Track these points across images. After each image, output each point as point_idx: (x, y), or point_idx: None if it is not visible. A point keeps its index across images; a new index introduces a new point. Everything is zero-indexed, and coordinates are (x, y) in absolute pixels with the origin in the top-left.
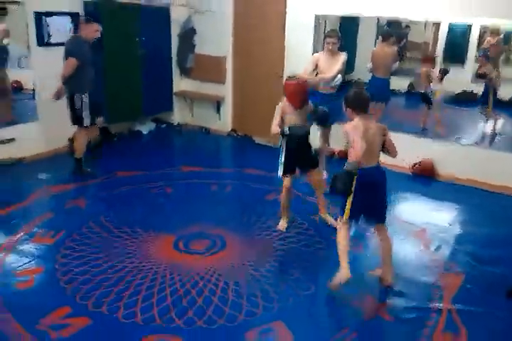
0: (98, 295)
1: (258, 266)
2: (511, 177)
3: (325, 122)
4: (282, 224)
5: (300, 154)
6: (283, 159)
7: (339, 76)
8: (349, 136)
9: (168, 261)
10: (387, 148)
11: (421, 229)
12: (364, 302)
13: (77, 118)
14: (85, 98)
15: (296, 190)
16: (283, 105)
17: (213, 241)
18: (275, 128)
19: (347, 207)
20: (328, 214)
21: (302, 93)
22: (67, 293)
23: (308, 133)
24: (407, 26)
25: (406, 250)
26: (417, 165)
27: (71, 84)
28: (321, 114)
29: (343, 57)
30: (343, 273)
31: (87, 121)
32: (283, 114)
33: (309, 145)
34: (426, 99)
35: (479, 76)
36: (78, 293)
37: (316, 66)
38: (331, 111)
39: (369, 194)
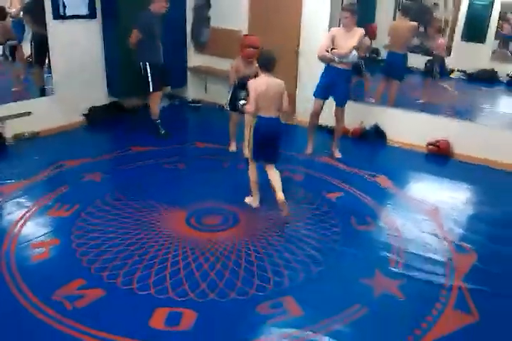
0: (112, 267)
1: (270, 241)
2: None
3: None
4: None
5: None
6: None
7: (354, 52)
8: (250, 91)
9: (182, 235)
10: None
11: (434, 208)
12: (375, 279)
13: (145, 84)
14: (148, 67)
15: (312, 170)
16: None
17: (226, 216)
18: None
19: (249, 147)
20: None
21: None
22: (83, 264)
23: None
24: (435, 3)
25: (419, 228)
26: (432, 145)
27: (137, 53)
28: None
29: (359, 32)
30: (254, 200)
31: (152, 87)
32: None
33: None
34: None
35: None
36: (93, 264)
37: (333, 41)
38: (345, 89)
39: (266, 139)
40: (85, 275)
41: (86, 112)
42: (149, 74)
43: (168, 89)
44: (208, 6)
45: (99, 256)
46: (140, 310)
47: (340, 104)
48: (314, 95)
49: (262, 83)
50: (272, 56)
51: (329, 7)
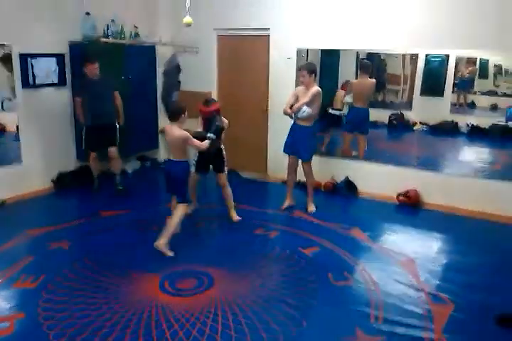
0: (82, 340)
1: (248, 303)
2: (497, 204)
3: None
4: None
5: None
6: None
7: (305, 108)
8: None
9: (155, 302)
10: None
11: (409, 259)
12: (356, 337)
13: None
14: (84, 129)
15: (287, 225)
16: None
17: (200, 279)
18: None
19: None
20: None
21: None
22: (50, 338)
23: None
24: (383, 59)
25: (396, 280)
26: (402, 196)
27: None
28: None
29: (313, 90)
30: (190, 206)
31: (83, 147)
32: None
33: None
34: None
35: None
36: (60, 338)
37: (297, 98)
38: (307, 145)
39: (168, 179)
40: None
41: (54, 178)
42: (83, 136)
43: (113, 150)
44: (178, 70)
45: (66, 329)
46: None
47: (303, 159)
48: (284, 151)
49: (168, 129)
50: (172, 108)
51: (294, 68)
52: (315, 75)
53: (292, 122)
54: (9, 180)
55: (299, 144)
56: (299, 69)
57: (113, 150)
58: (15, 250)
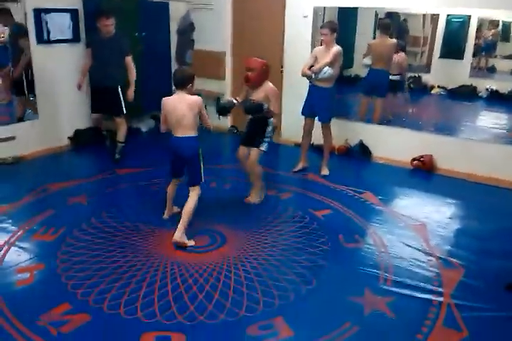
0: (99, 291)
1: (260, 260)
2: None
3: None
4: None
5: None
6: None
7: (326, 68)
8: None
9: (169, 257)
10: (201, 119)
11: (421, 224)
12: (364, 296)
13: None
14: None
15: (300, 187)
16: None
17: (213, 237)
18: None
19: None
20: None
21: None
22: (68, 289)
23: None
24: (403, 19)
25: (406, 244)
26: (416, 161)
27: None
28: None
29: (334, 49)
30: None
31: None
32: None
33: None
34: None
35: None
36: (79, 289)
37: (316, 60)
38: (327, 106)
39: (177, 160)
40: (71, 300)
41: (71, 135)
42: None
43: (118, 120)
44: (192, 29)
45: (84, 280)
46: (127, 335)
47: (323, 121)
48: (302, 113)
49: (171, 101)
50: (181, 74)
51: (311, 28)
52: (336, 34)
53: (310, 84)
54: (27, 136)
55: (319, 106)
56: (320, 27)
57: (118, 120)
58: (35, 203)
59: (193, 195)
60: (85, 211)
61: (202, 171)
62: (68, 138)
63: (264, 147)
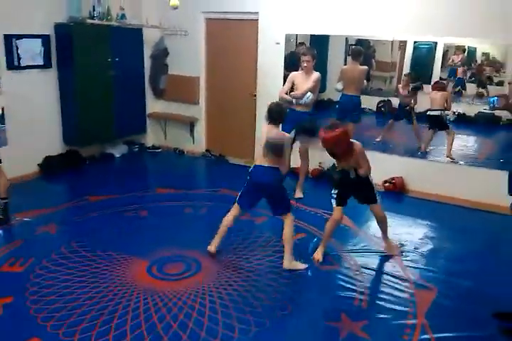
0: (70, 323)
1: (235, 287)
2: (481, 191)
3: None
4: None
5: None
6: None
7: (309, 94)
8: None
9: (142, 286)
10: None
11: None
12: (340, 321)
13: None
14: None
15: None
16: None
17: (188, 264)
18: None
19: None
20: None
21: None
22: (38, 322)
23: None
24: (372, 46)
25: (378, 265)
26: (388, 183)
27: None
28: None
29: (315, 75)
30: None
31: None
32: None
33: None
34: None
35: None
36: (49, 321)
37: (293, 85)
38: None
39: (255, 190)
40: (41, 334)
41: (40, 162)
42: None
43: None
44: (166, 54)
45: (55, 313)
46: None
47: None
48: None
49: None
50: (279, 109)
51: (283, 54)
52: (315, 60)
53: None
54: None
55: None
56: (302, 53)
57: None
58: (2, 233)
59: (288, 222)
60: (55, 240)
61: (286, 197)
62: (38, 165)
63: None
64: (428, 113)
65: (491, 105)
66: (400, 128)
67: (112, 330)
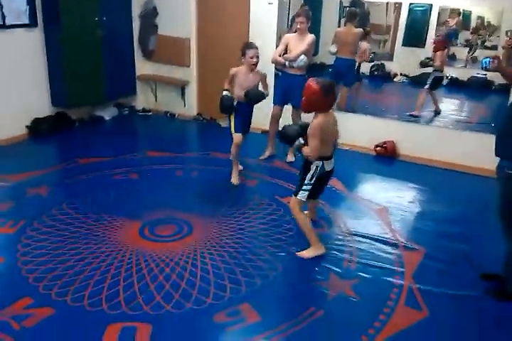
0: (62, 283)
1: (226, 248)
2: (471, 156)
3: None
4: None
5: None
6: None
7: (303, 56)
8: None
9: (135, 247)
10: None
11: (383, 208)
12: (329, 281)
13: None
14: None
15: (266, 175)
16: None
17: (180, 226)
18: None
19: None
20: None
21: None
22: (29, 282)
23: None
24: (367, 8)
25: (367, 227)
26: (379, 147)
27: None
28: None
29: (309, 37)
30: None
31: None
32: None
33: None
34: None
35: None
36: (40, 282)
37: (287, 47)
38: (300, 93)
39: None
40: (32, 294)
41: (29, 124)
42: None
43: None
44: (155, 13)
45: (46, 273)
46: (92, 327)
47: (298, 107)
48: (273, 102)
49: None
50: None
51: (276, 15)
52: (310, 22)
53: (279, 72)
54: None
55: (293, 93)
56: (296, 15)
57: None
58: None
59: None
60: (46, 202)
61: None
62: (26, 126)
63: (301, 195)
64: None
65: (483, 66)
66: (392, 91)
67: (105, 290)
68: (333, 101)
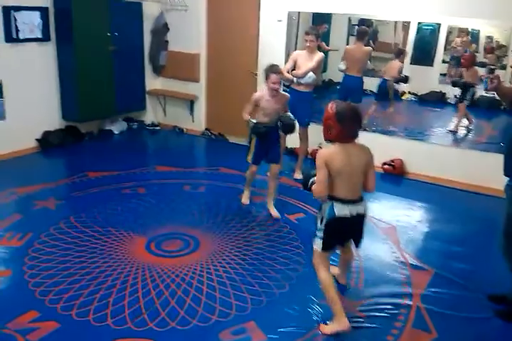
0: (67, 297)
1: (232, 265)
2: (479, 175)
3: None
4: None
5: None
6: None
7: (311, 74)
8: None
9: (141, 262)
10: None
11: (391, 227)
12: None
13: None
14: None
15: (278, 193)
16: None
17: (186, 241)
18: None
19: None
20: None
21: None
22: (36, 296)
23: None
24: (375, 26)
25: (375, 247)
26: (387, 165)
27: None
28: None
29: (319, 56)
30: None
31: None
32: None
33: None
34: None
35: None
36: (47, 295)
37: (295, 64)
38: (306, 110)
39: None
40: (38, 307)
41: (39, 137)
42: None
43: None
44: (166, 29)
45: (52, 287)
46: None
47: (304, 125)
48: None
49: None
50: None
51: (285, 32)
52: (319, 40)
53: (287, 88)
54: None
55: (300, 109)
56: (306, 33)
57: None
58: (1, 208)
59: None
60: (54, 215)
61: None
62: (36, 140)
63: (316, 244)
64: None
65: (485, 86)
66: (399, 109)
67: (110, 305)
68: (353, 131)
